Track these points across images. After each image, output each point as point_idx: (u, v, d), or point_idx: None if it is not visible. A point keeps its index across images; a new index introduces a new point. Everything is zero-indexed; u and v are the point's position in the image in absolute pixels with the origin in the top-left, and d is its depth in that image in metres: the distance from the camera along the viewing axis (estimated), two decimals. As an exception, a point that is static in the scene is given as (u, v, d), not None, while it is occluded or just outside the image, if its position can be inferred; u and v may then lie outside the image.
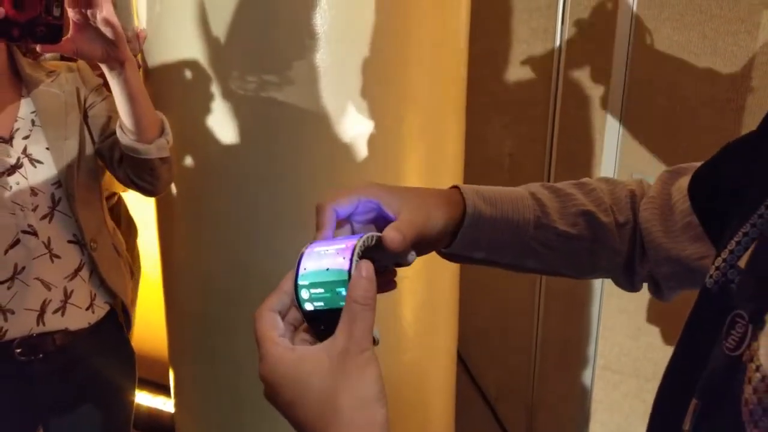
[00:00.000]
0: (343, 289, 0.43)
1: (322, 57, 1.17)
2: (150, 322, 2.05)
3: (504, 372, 1.98)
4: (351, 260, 0.43)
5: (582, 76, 1.67)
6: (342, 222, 0.53)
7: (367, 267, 0.43)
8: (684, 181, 0.58)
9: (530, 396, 1.94)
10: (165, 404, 2.26)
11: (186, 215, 1.39)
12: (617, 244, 0.61)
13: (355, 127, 1.24)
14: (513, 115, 1.79)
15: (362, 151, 1.24)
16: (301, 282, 0.45)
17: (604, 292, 1.76)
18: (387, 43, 1.22)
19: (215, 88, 1.22)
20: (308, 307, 0.45)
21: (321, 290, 0.44)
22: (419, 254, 0.54)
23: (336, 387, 0.41)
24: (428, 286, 1.46)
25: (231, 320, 1.39)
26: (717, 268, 0.44)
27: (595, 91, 1.67)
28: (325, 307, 0.44)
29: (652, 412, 0.48)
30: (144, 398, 2.28)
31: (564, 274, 0.64)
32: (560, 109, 1.71)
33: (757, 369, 0.36)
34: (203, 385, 1.54)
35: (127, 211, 1.98)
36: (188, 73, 1.23)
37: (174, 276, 1.51)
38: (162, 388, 2.29)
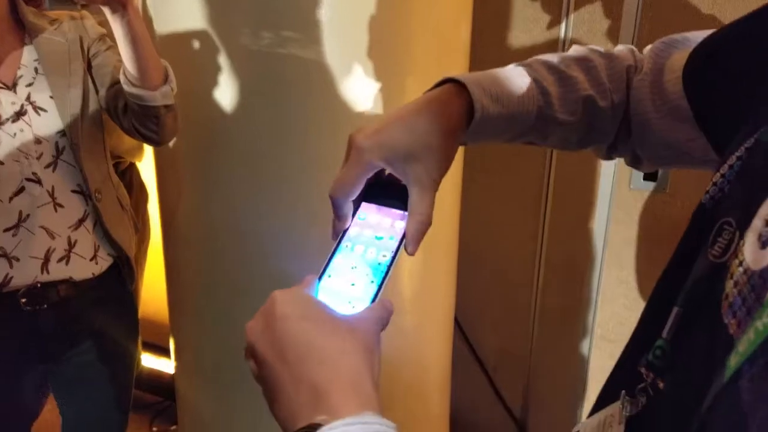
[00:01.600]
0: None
1: (326, 13, 1.16)
2: (156, 287, 2.08)
3: (502, 341, 1.99)
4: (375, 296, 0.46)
5: (590, 33, 1.66)
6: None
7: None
8: (678, 57, 0.57)
9: (528, 365, 1.96)
10: (167, 366, 2.29)
11: (188, 174, 1.39)
12: (610, 125, 0.62)
13: (359, 82, 1.24)
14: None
15: (366, 105, 1.24)
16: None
17: (605, 262, 1.76)
18: (392, 4, 1.21)
19: (219, 44, 1.22)
20: None
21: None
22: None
23: (354, 330, 0.43)
24: (425, 248, 1.46)
25: (231, 283, 1.40)
26: (714, 184, 0.43)
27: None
28: None
29: (636, 326, 0.49)
30: (148, 360, 2.31)
31: (545, 147, 0.65)
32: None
33: (740, 264, 0.36)
34: (202, 348, 1.56)
35: (138, 175, 1.99)
36: (193, 30, 1.23)
37: (174, 238, 1.52)
38: (165, 352, 2.32)
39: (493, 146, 1.82)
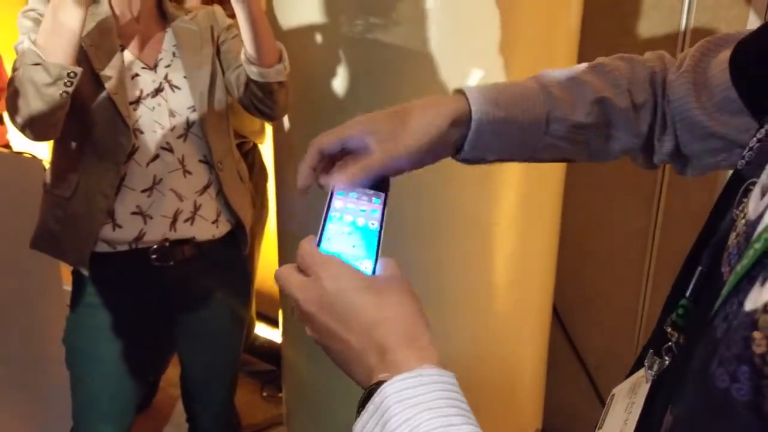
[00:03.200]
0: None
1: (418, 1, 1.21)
2: (275, 264, 2.26)
3: (606, 340, 1.93)
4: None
5: (713, 24, 1.57)
6: (337, 156, 0.56)
7: None
8: (723, 55, 0.56)
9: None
10: (278, 337, 2.47)
11: (298, 152, 1.50)
12: (635, 126, 0.61)
13: (465, 68, 1.28)
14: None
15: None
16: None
17: (722, 263, 1.65)
18: None
19: (331, 33, 1.32)
20: None
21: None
22: (431, 162, 0.58)
23: (382, 303, 0.46)
24: (521, 237, 1.46)
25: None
26: (750, 149, 0.44)
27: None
28: None
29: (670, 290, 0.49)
30: (263, 330, 2.51)
31: (579, 161, 0.65)
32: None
33: (744, 216, 0.37)
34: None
35: (260, 157, 2.16)
36: (309, 21, 1.34)
37: (286, 215, 1.63)
38: (278, 324, 2.50)
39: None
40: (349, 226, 0.51)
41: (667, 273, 1.76)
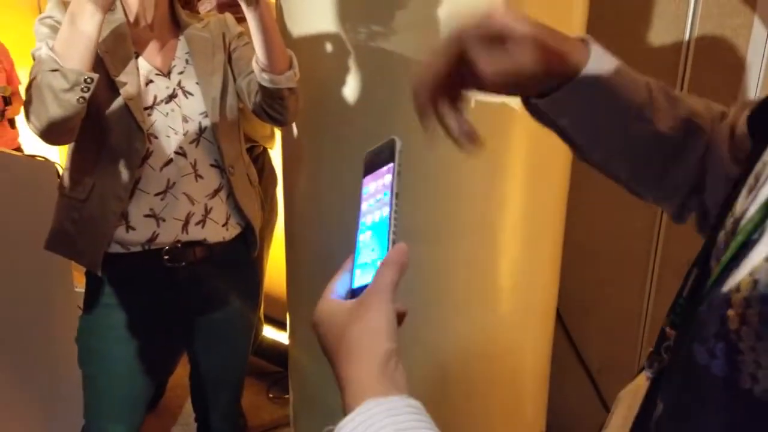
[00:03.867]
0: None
1: (441, 10, 1.24)
2: (283, 267, 2.27)
3: (609, 344, 1.94)
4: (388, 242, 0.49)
5: (717, 32, 1.59)
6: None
7: (399, 251, 0.48)
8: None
9: (635, 371, 1.89)
10: (286, 339, 2.49)
11: (308, 159, 1.53)
12: (695, 163, 0.57)
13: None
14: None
15: (475, 97, 1.30)
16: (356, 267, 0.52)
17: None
18: None
19: (342, 42, 1.34)
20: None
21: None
22: (511, 93, 0.53)
23: (350, 320, 0.47)
24: (526, 241, 1.47)
25: (343, 263, 1.51)
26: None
27: (731, 55, 1.58)
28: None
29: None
30: (270, 332, 2.53)
31: (618, 179, 0.61)
32: (689, 75, 1.64)
33: (732, 215, 0.39)
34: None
35: (270, 161, 2.18)
36: (320, 29, 1.36)
37: (294, 218, 1.65)
38: (285, 326, 2.52)
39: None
40: (368, 229, 0.51)
41: (670, 277, 1.78)
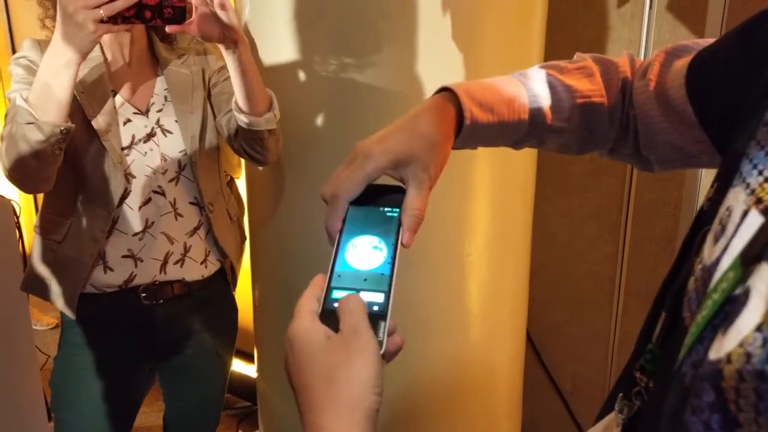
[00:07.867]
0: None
1: (401, 42, 1.25)
2: (248, 298, 2.24)
3: (580, 365, 1.99)
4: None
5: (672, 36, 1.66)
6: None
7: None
8: (681, 64, 0.57)
9: (607, 391, 1.95)
10: (255, 372, 2.44)
11: (273, 188, 1.50)
12: (607, 131, 0.63)
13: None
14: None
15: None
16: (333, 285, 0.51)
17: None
18: (461, 30, 1.27)
19: (309, 72, 1.33)
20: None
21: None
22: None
23: (336, 363, 0.44)
24: (494, 264, 1.50)
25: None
26: (709, 199, 0.44)
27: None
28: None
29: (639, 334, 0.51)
30: (238, 365, 2.47)
31: (550, 150, 0.67)
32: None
33: (700, 261, 0.39)
34: (282, 357, 1.66)
35: (236, 189, 2.16)
36: (287, 60, 1.36)
37: (260, 248, 1.63)
38: (251, 358, 2.47)
39: (571, 166, 1.86)
40: (362, 254, 0.52)
41: (636, 297, 1.85)
